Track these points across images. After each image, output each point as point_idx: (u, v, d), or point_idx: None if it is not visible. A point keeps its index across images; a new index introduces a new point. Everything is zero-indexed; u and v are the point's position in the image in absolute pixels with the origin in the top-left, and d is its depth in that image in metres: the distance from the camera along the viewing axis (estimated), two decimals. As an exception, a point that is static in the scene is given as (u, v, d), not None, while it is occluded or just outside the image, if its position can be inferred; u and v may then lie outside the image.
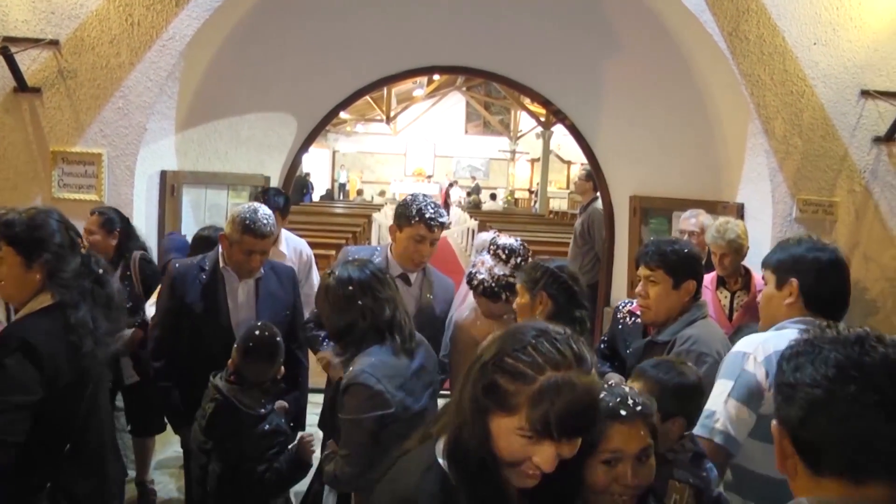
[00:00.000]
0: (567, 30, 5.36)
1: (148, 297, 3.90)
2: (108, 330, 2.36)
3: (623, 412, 1.73)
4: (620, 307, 3.59)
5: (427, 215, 3.18)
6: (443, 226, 3.25)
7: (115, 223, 4.08)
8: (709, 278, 4.07)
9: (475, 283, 3.12)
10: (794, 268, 2.30)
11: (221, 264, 3.30)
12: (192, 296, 3.26)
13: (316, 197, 24.08)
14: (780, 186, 4.75)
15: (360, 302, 2.48)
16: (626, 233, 5.99)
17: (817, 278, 2.25)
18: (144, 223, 4.66)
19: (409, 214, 3.20)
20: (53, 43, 4.47)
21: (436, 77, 22.10)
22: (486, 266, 3.16)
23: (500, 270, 3.16)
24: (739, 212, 4.83)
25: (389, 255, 3.34)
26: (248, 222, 3.15)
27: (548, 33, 5.46)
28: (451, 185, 27.19)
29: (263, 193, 4.47)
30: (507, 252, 3.22)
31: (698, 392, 2.09)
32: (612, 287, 6.32)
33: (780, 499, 2.04)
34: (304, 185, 21.56)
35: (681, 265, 2.67)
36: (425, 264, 3.38)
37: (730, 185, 5.08)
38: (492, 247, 3.28)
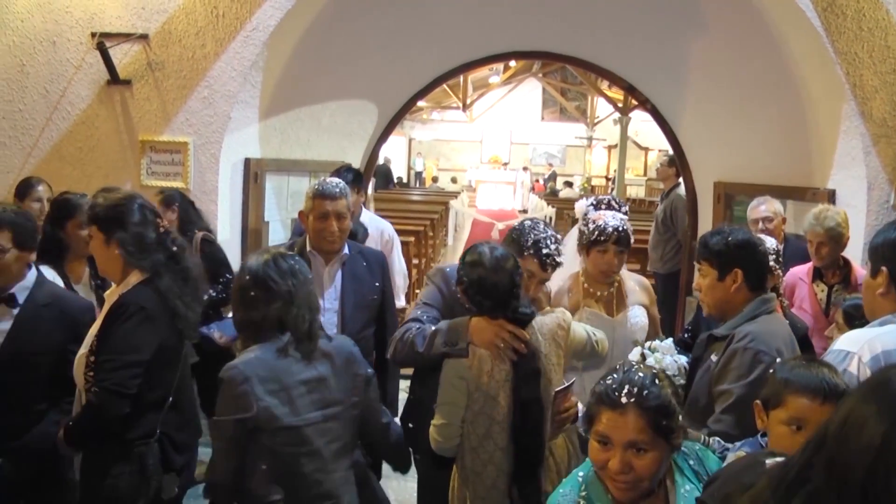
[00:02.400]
0: (649, 10, 5.22)
1: (210, 275, 3.90)
2: (191, 298, 2.63)
3: (610, 397, 1.72)
4: (704, 296, 3.49)
5: (544, 251, 2.77)
6: (556, 267, 2.84)
7: (175, 199, 4.27)
8: (804, 270, 3.88)
9: (609, 230, 3.10)
10: (884, 254, 2.15)
11: (308, 248, 3.34)
12: None
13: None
14: (877, 172, 4.50)
15: (252, 293, 2.31)
16: (709, 220, 5.81)
17: None
18: (229, 209, 4.79)
19: (524, 243, 2.79)
20: (143, 37, 4.63)
21: (512, 63, 21.90)
22: (609, 214, 3.17)
23: (623, 216, 3.21)
24: (830, 198, 4.60)
25: None
26: (317, 187, 3.28)
27: (629, 14, 5.32)
28: (546, 176, 26.62)
29: (335, 173, 4.43)
30: (617, 202, 3.31)
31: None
32: (693, 276, 6.14)
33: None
34: (387, 173, 21.76)
35: (723, 255, 2.56)
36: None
37: (821, 170, 4.85)
38: (602, 204, 3.31)
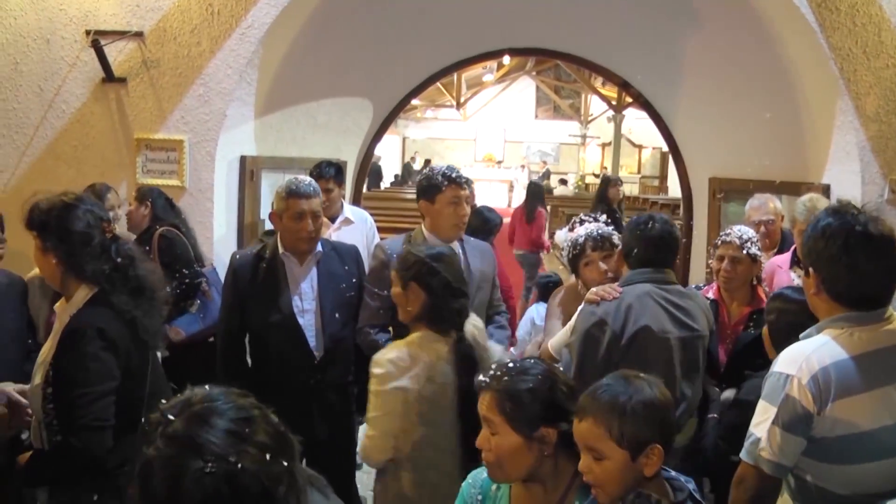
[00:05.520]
0: (644, 6, 5.23)
1: (169, 272, 3.59)
2: (145, 311, 2.40)
3: (482, 380, 1.90)
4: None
5: (454, 175, 3.26)
6: (469, 182, 3.30)
7: (147, 196, 4.21)
8: (783, 258, 3.92)
9: (581, 240, 3.21)
10: (808, 253, 2.04)
11: (280, 250, 3.22)
12: (252, 287, 3.18)
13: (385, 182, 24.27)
14: (871, 166, 4.52)
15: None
16: (705, 216, 5.83)
17: (836, 265, 1.96)
18: (225, 207, 4.78)
19: (437, 183, 3.25)
20: (138, 34, 4.62)
21: (506, 61, 21.90)
22: (581, 228, 3.28)
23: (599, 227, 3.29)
24: (825, 193, 4.62)
25: (426, 234, 3.29)
26: (291, 187, 3.15)
27: (623, 11, 5.34)
28: (541, 175, 26.26)
29: (317, 167, 4.42)
30: (592, 216, 3.39)
31: (668, 409, 1.81)
32: (689, 271, 6.17)
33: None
34: (378, 171, 21.70)
35: None
36: (461, 234, 3.39)
37: (816, 165, 4.88)
38: (576, 224, 3.38)
